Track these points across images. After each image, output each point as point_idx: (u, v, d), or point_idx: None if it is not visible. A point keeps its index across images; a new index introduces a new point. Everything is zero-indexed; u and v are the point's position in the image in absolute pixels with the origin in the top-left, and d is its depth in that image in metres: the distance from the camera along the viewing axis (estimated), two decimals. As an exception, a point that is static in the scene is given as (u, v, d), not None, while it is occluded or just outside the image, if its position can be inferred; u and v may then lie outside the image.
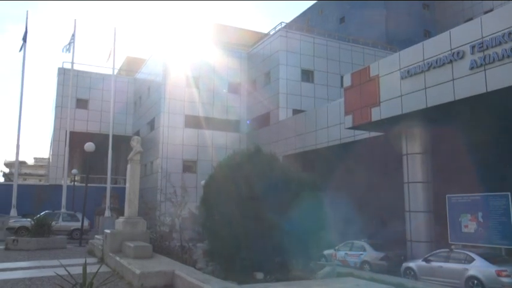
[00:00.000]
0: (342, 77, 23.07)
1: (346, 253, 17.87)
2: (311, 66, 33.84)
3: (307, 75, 33.88)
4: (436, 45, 14.64)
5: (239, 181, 7.52)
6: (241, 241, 7.76)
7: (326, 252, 17.96)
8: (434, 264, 13.78)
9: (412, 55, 15.53)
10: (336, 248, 18.27)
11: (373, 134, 19.89)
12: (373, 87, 16.95)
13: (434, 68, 14.41)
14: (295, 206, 7.65)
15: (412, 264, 14.71)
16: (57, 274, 5.94)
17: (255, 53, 36.99)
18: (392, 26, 40.80)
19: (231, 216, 7.71)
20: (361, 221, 22.85)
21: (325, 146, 24.09)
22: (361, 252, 17.33)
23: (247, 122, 35.51)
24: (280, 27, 35.69)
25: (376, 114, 16.70)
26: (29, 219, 19.20)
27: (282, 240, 7.84)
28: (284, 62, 32.90)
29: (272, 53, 34.13)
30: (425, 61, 14.77)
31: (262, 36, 38.24)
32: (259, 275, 8.11)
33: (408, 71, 15.38)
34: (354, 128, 18.85)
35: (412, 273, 14.40)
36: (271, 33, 36.54)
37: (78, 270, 6.29)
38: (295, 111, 31.45)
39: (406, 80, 15.50)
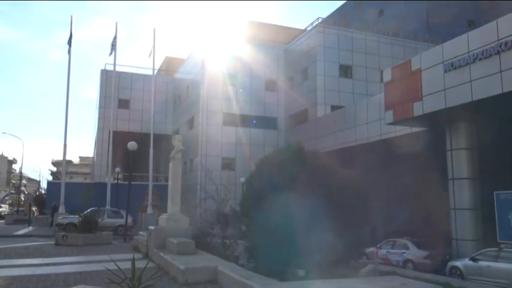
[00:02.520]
0: (381, 72, 22.63)
1: (388, 251, 17.54)
2: (349, 61, 33.34)
3: (345, 71, 33.42)
4: (482, 36, 14.08)
5: (281, 178, 7.54)
6: (282, 238, 7.77)
7: (367, 250, 17.69)
8: (482, 263, 13.29)
9: (456, 47, 15.01)
10: (378, 246, 17.97)
11: (415, 129, 19.37)
12: (414, 81, 16.52)
13: (480, 59, 13.88)
14: (337, 204, 7.59)
15: (458, 263, 14.25)
16: (107, 269, 6.16)
17: (291, 50, 36.83)
18: (434, 17, 39.47)
19: (272, 214, 7.73)
20: (403, 218, 22.37)
21: (365, 142, 23.69)
22: (403, 251, 16.96)
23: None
24: (317, 22, 35.35)
25: (419, 109, 16.27)
26: (76, 216, 19.97)
27: (323, 238, 7.79)
28: (322, 57, 32.59)
29: (309, 49, 33.86)
30: (470, 53, 14.24)
31: (298, 33, 37.99)
32: (301, 272, 8.09)
33: (452, 64, 14.89)
34: (394, 123, 18.45)
35: (458, 272, 13.95)
36: (308, 29, 36.26)
37: (125, 265, 6.50)
38: (334, 108, 31.10)
39: (449, 73, 15.01)
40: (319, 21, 35.75)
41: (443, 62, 15.26)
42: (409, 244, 17.01)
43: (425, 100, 15.97)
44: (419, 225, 22.05)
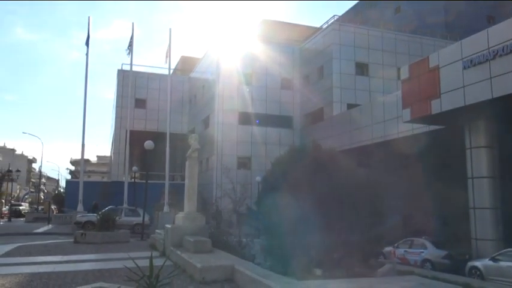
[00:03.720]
0: (398, 69, 22.31)
1: (405, 251, 17.34)
2: (366, 59, 33.06)
3: (361, 69, 33.15)
4: (502, 32, 13.80)
5: (297, 177, 7.51)
6: (299, 237, 7.75)
7: (385, 249, 17.50)
8: (503, 263, 13.03)
9: (475, 43, 14.74)
10: (395, 245, 17.77)
11: (433, 127, 19.10)
12: (432, 78, 16.28)
13: (500, 56, 13.60)
14: (354, 203, 7.53)
15: (478, 264, 13.99)
16: (126, 267, 6.22)
17: (307, 48, 36.66)
18: (452, 13, 38.80)
19: (288, 212, 7.71)
20: (420, 217, 22.08)
21: (382, 140, 23.46)
22: (421, 250, 16.74)
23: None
24: (332, 20, 35.12)
25: (437, 107, 16.03)
26: (94, 214, 20.22)
27: (340, 237, 7.74)
28: (337, 55, 32.37)
29: (325, 47, 33.67)
30: (490, 49, 13.96)
31: (314, 31, 37.81)
32: (318, 271, 8.06)
33: (471, 61, 14.62)
34: (412, 121, 18.22)
35: (478, 272, 13.70)
36: (323, 27, 36.04)
37: (143, 263, 6.55)
38: (350, 106, 30.87)
39: (469, 70, 14.75)
40: (335, 19, 35.50)
41: (462, 58, 15.00)
42: (427, 243, 16.78)
43: (443, 98, 15.72)
44: (438, 225, 21.75)
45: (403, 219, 21.92)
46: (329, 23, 35.33)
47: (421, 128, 19.96)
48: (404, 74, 17.87)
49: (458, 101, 15.14)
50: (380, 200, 8.69)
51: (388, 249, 17.57)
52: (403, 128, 21.09)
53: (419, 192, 22.20)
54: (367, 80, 32.89)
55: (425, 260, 16.27)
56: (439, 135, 18.89)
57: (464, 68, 14.88)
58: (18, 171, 56.36)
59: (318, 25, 39.83)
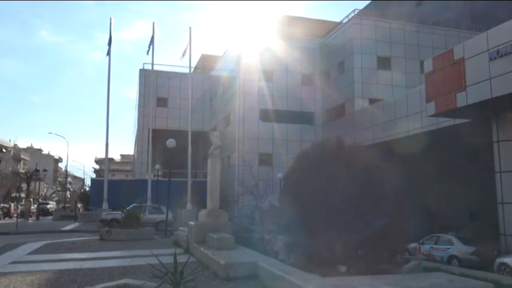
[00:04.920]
0: (421, 63, 21.96)
1: (431, 247, 17.04)
2: (387, 52, 32.54)
3: (383, 63, 32.64)
4: (530, 21, 13.35)
5: (320, 173, 7.44)
6: (323, 233, 7.67)
7: (410, 245, 17.25)
8: (534, 260, 12.66)
9: (502, 34, 14.33)
10: (420, 241, 17.49)
11: (458, 121, 18.67)
12: (457, 71, 15.89)
13: (529, 46, 13.16)
14: (378, 198, 7.41)
15: (507, 260, 13.62)
16: (150, 264, 6.28)
17: (327, 43, 36.33)
18: (477, 4, 37.77)
19: (312, 208, 7.65)
20: (446, 213, 21.66)
21: (405, 135, 23.07)
22: (448, 246, 16.43)
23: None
24: (353, 14, 34.68)
25: (462, 100, 15.65)
26: (119, 212, 20.54)
27: (365, 233, 7.63)
28: (358, 50, 31.97)
29: (345, 42, 33.29)
30: (518, 39, 13.53)
31: (334, 26, 37.43)
32: (342, 268, 7.96)
33: (498, 51, 14.22)
34: (436, 115, 17.84)
35: (508, 269, 13.34)
36: (343, 21, 35.63)
37: (167, 259, 6.61)
38: (372, 101, 30.48)
39: (495, 61, 14.34)
40: (355, 13, 35.03)
41: (489, 50, 14.60)
42: (454, 240, 16.46)
43: (469, 90, 15.34)
44: (465, 220, 21.30)
45: (428, 215, 21.56)
46: (349, 17, 34.89)
47: (446, 122, 19.54)
48: (428, 67, 17.51)
49: (484, 94, 14.75)
50: (405, 195, 8.53)
51: (413, 245, 17.30)
52: (427, 122, 20.68)
53: (445, 187, 21.80)
54: (389, 74, 32.37)
55: (452, 257, 15.97)
56: (465, 128, 18.45)
57: (491, 59, 14.48)
58: (45, 170, 57.81)
59: (338, 20, 39.42)
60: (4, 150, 37.32)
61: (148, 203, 30.02)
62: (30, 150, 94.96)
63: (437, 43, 32.32)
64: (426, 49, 31.65)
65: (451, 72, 16.20)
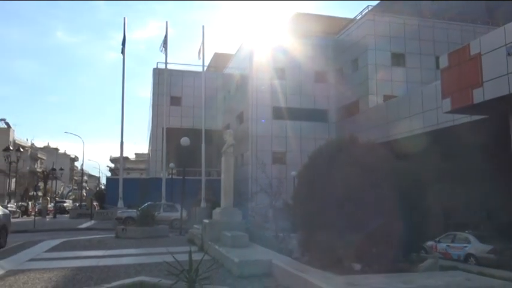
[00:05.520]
0: (437, 58, 21.59)
1: (447, 245, 16.87)
2: (402, 49, 32.20)
3: (398, 59, 32.33)
4: (549, 15, 13.06)
5: (334, 170, 7.39)
6: (337, 231, 7.63)
7: (426, 244, 17.07)
8: (554, 258, 12.42)
9: (520, 28, 14.03)
10: (437, 239, 17.30)
11: (475, 117, 18.38)
12: (474, 66, 15.63)
13: (548, 40, 12.88)
14: (393, 196, 7.33)
15: (526, 258, 13.41)
16: (166, 261, 6.32)
17: (341, 40, 36.09)
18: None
19: (326, 206, 7.61)
20: (463, 211, 21.37)
21: (421, 132, 22.82)
22: (465, 245, 16.23)
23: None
24: (366, 11, 34.38)
25: (479, 96, 15.38)
26: (134, 210, 20.74)
27: (380, 231, 7.55)
28: (372, 46, 31.70)
29: (359, 39, 33.03)
30: (536, 33, 13.26)
31: (347, 23, 37.15)
32: (357, 266, 7.91)
33: (516, 46, 13.93)
34: (452, 111, 17.57)
35: (527, 268, 13.13)
36: (357, 18, 35.36)
37: (182, 257, 6.64)
38: (386, 97, 30.21)
39: (513, 56, 14.05)
40: (369, 9, 34.72)
41: (506, 44, 14.31)
42: (471, 238, 16.26)
43: (486, 86, 15.07)
44: (481, 218, 21.00)
45: (444, 213, 21.30)
46: (363, 13, 34.60)
47: (462, 118, 19.27)
48: (444, 62, 17.25)
49: (502, 89, 14.48)
50: (420, 193, 8.43)
51: (429, 243, 17.13)
52: (443, 118, 20.43)
53: (461, 185, 21.49)
54: (403, 70, 32.05)
55: (469, 255, 15.78)
56: (482, 125, 18.16)
57: (509, 54, 14.19)
58: (61, 169, 58.69)
59: (351, 16, 39.10)
60: (22, 150, 37.98)
61: (163, 201, 30.24)
62: (47, 149, 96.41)
63: (452, 38, 31.86)
64: (441, 44, 31.22)
65: (467, 67, 15.94)
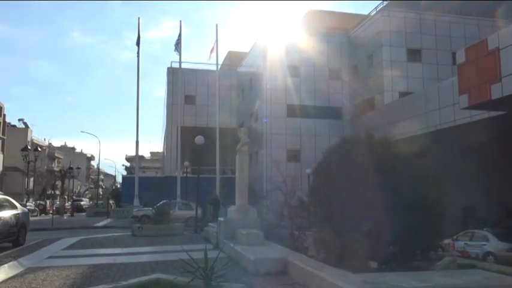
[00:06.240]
0: (453, 54, 21.30)
1: (465, 243, 16.59)
2: (418, 44, 31.78)
3: (413, 55, 31.91)
4: None
5: (350, 168, 7.34)
6: (353, 229, 7.57)
7: (443, 242, 16.82)
8: None
9: (539, 21, 13.72)
10: (454, 237, 17.04)
11: (493, 113, 18.05)
12: (492, 61, 15.33)
13: None
14: (411, 193, 7.25)
15: (546, 257, 13.13)
16: (182, 259, 6.35)
17: (355, 37, 35.79)
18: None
19: (342, 204, 7.56)
20: (481, 209, 21.03)
21: (437, 128, 22.50)
22: (483, 243, 15.94)
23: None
24: (381, 6, 34.03)
25: (497, 91, 15.09)
26: (150, 208, 20.90)
27: (397, 229, 7.47)
28: (387, 43, 31.35)
29: (374, 35, 32.70)
30: (557, 27, 12.93)
31: (362, 19, 36.81)
32: (373, 264, 7.85)
33: (535, 40, 13.63)
34: (470, 107, 17.28)
35: (547, 266, 12.84)
36: (371, 14, 35.01)
37: (197, 255, 6.66)
38: (402, 94, 29.86)
39: (533, 51, 13.75)
40: (384, 5, 34.35)
41: (525, 39, 14.02)
42: (490, 236, 15.95)
43: (504, 81, 14.77)
44: (500, 216, 20.62)
45: (462, 211, 20.97)
46: (378, 9, 34.25)
47: (480, 115, 18.93)
48: (461, 58, 16.96)
49: (521, 85, 14.19)
50: (437, 190, 8.31)
51: (446, 241, 16.88)
52: (460, 115, 20.09)
53: (480, 182, 21.15)
54: (419, 66, 31.63)
55: (487, 253, 15.49)
56: (501, 121, 17.82)
57: (528, 48, 13.90)
58: (78, 168, 59.48)
59: (365, 12, 38.74)
60: (39, 149, 38.57)
61: (178, 199, 30.42)
62: (63, 148, 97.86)
63: (469, 33, 31.28)
64: (458, 40, 30.67)
65: (485, 63, 15.65)
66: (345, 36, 36.61)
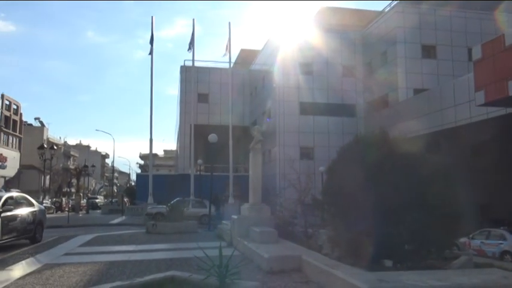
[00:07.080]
0: (469, 50, 20.96)
1: (482, 242, 16.39)
2: (433, 41, 31.36)
3: (428, 51, 31.51)
4: None
5: (365, 166, 7.28)
6: (368, 227, 7.52)
7: (459, 240, 16.62)
8: None
9: (558, 16, 13.44)
10: (470, 236, 16.84)
11: (510, 110, 17.75)
12: (509, 57, 15.06)
13: None
14: (427, 191, 7.17)
15: None
16: (196, 256, 6.38)
17: (368, 34, 35.48)
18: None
19: (356, 201, 7.51)
20: (497, 207, 20.73)
21: (453, 126, 22.22)
22: (500, 242, 15.74)
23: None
24: (395, 2, 33.65)
25: (515, 88, 14.84)
26: (164, 206, 21.04)
27: (412, 227, 7.41)
28: (402, 39, 31.01)
29: (388, 32, 32.37)
30: None
31: (375, 15, 36.46)
32: (388, 263, 7.78)
33: (554, 35, 13.36)
34: (486, 104, 17.01)
35: None
36: (385, 10, 34.65)
37: (211, 252, 6.68)
38: (416, 91, 29.52)
39: (551, 46, 13.48)
40: (398, 1, 33.96)
41: (544, 34, 13.75)
42: (507, 234, 15.75)
43: (522, 77, 14.52)
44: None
45: (478, 209, 20.68)
46: (392, 5, 33.88)
47: (496, 112, 18.64)
48: (477, 54, 16.71)
49: (539, 81, 13.92)
50: (454, 188, 8.21)
51: (462, 240, 16.70)
52: (476, 112, 19.82)
53: (496, 180, 20.82)
54: (434, 63, 31.23)
55: (504, 252, 15.30)
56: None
57: (546, 43, 13.63)
58: (93, 166, 60.14)
59: (379, 9, 38.37)
60: (55, 148, 39.11)
61: (191, 197, 30.56)
62: (79, 147, 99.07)
63: (486, 29, 30.76)
64: (474, 36, 30.21)
65: (502, 59, 15.39)
66: (359, 33, 36.32)
